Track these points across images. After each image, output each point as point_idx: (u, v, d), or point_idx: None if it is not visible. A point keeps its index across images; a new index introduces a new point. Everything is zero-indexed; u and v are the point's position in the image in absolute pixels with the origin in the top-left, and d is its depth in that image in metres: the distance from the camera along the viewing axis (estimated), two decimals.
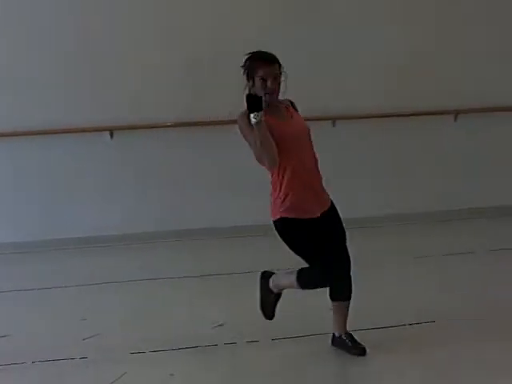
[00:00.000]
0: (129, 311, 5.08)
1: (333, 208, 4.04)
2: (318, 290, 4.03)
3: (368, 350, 4.12)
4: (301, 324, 4.60)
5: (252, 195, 6.97)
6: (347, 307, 4.13)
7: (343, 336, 4.18)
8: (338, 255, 3.96)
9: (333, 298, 4.11)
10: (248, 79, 3.82)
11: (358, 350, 4.12)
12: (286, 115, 3.89)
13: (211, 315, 4.85)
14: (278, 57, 3.81)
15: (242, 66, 3.84)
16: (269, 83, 3.73)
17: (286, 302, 5.00)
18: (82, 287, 5.67)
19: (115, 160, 6.92)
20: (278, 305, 4.42)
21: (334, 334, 4.24)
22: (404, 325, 4.51)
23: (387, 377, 3.88)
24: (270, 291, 4.34)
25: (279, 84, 3.79)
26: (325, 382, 3.83)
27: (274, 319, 4.53)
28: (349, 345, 4.15)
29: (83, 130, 6.73)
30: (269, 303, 4.37)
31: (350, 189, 6.79)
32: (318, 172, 3.96)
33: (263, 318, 4.51)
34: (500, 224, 7.01)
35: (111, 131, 6.80)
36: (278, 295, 4.37)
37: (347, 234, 4.06)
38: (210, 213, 7.05)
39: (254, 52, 3.84)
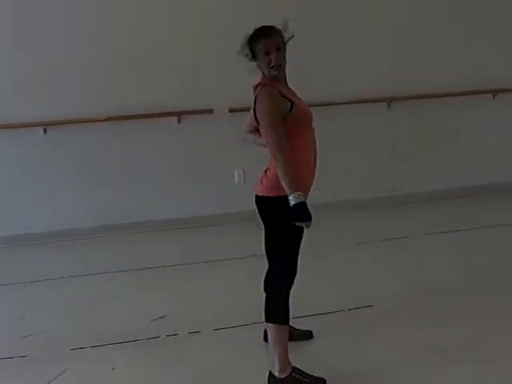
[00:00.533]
0: (68, 307, 5.03)
1: None
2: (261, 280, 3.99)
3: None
4: (242, 313, 4.62)
5: (184, 188, 7.04)
6: None
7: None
8: None
9: None
10: (252, 59, 3.68)
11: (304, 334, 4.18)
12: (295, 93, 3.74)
13: (151, 308, 4.85)
14: None
15: (243, 50, 3.72)
16: (272, 56, 3.58)
17: (227, 292, 5.07)
18: (18, 285, 5.59)
19: (49, 156, 6.82)
20: (219, 295, 4.43)
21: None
22: (343, 310, 4.58)
23: (327, 361, 3.95)
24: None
25: (284, 54, 3.63)
26: (267, 369, 3.85)
27: (216, 310, 4.56)
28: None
29: (18, 126, 6.61)
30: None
31: None
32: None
33: (203, 309, 4.53)
34: (434, 209, 7.19)
35: (45, 127, 6.70)
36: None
37: None
38: (143, 206, 7.02)
39: (252, 32, 3.69)
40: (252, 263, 5.72)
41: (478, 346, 4.02)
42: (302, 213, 3.37)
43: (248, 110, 6.91)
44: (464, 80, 7.36)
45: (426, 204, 7.34)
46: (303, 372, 3.73)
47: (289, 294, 3.71)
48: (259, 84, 3.68)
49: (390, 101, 7.31)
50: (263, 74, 3.67)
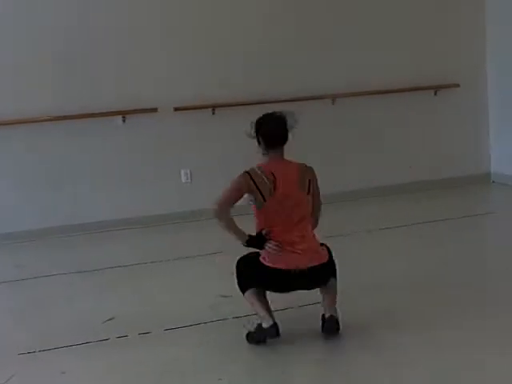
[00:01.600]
0: (13, 311, 4.93)
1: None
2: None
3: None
4: (193, 313, 4.60)
5: (130, 188, 6.97)
6: None
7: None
8: None
9: None
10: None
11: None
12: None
13: (100, 310, 4.77)
14: None
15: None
16: None
17: (178, 292, 5.05)
18: None
19: None
20: (170, 295, 4.42)
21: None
22: (292, 307, 4.58)
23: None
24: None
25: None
26: (221, 369, 3.85)
27: (166, 310, 4.57)
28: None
29: None
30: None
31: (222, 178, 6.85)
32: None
33: (153, 309, 4.51)
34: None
35: None
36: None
37: None
38: (88, 207, 6.92)
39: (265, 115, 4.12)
40: (202, 262, 5.74)
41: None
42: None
43: (192, 108, 7.00)
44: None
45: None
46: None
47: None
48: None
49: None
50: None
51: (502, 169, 7.87)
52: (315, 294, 4.17)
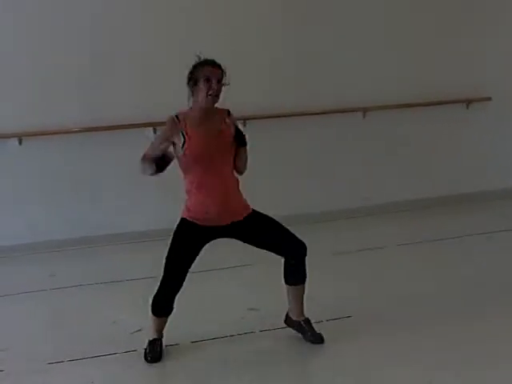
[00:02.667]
0: (41, 321, 4.96)
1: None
2: None
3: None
4: (220, 326, 4.63)
5: (156, 199, 6.96)
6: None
7: (302, 322, 4.35)
8: None
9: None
10: (192, 85, 3.96)
11: (315, 337, 4.30)
12: (213, 127, 3.99)
13: (128, 321, 4.79)
14: None
15: (189, 75, 3.98)
16: (213, 84, 3.87)
17: (207, 304, 5.06)
18: None
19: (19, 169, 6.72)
20: (194, 307, 4.61)
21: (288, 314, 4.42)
22: (321, 321, 4.58)
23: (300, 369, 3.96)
24: None
25: (221, 88, 3.92)
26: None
27: (193, 323, 4.65)
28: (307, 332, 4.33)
29: None
30: None
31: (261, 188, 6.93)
32: (230, 187, 4.13)
33: (182, 321, 4.54)
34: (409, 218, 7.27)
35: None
36: None
37: None
38: (116, 218, 6.91)
39: (200, 59, 3.98)
40: (231, 274, 5.74)
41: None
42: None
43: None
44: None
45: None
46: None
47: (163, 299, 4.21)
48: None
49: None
50: (193, 101, 3.99)
51: None
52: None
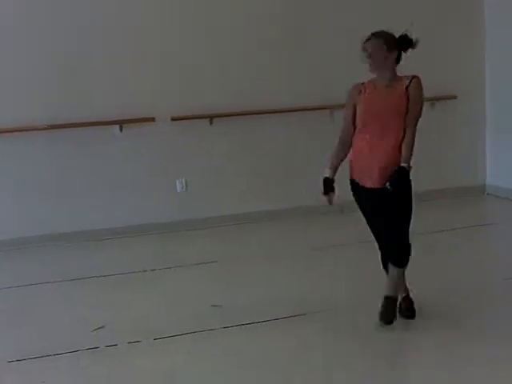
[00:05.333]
0: (3, 319, 4.93)
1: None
2: None
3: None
4: (183, 322, 4.61)
5: (126, 197, 6.97)
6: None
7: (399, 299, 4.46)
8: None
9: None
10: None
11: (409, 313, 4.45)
12: (387, 91, 4.18)
13: (91, 318, 4.76)
14: None
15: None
16: (367, 58, 4.16)
17: (171, 302, 5.05)
18: None
19: None
20: (162, 303, 4.69)
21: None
22: (277, 319, 4.59)
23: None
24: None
25: (378, 58, 4.15)
26: (209, 379, 3.86)
27: (156, 319, 4.65)
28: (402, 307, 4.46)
29: None
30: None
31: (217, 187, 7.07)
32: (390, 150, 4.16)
33: (145, 318, 4.53)
34: None
35: None
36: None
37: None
38: (84, 216, 6.90)
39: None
40: (197, 271, 5.74)
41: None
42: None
43: (190, 118, 7.04)
44: None
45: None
46: None
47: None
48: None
49: None
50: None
51: (497, 181, 7.87)
52: None
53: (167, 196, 7.10)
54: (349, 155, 4.31)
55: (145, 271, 5.79)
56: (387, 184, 4.09)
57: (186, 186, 7.13)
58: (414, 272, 4.49)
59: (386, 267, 4.40)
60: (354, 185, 4.30)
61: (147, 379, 3.93)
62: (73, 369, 4.08)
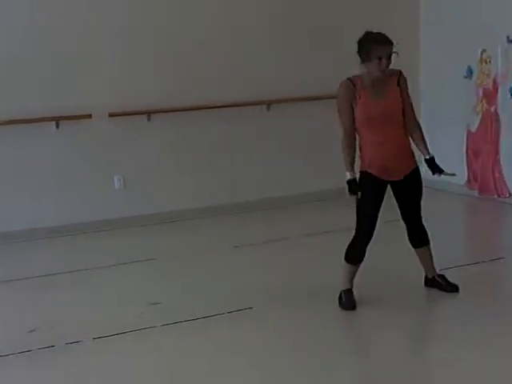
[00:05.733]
0: None
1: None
2: None
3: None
4: (122, 321, 4.58)
5: (63, 195, 6.87)
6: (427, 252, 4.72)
7: (436, 277, 4.76)
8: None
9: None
10: (364, 57, 4.30)
11: (451, 287, 4.73)
12: (382, 91, 4.37)
13: (26, 320, 4.68)
14: None
15: (361, 47, 4.32)
16: (384, 61, 4.25)
17: (108, 300, 5.01)
18: None
19: None
20: (94, 303, 4.61)
21: (426, 275, 4.82)
22: (222, 313, 4.61)
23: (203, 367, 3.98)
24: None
25: (391, 60, 4.29)
26: (151, 378, 3.85)
27: (94, 319, 4.63)
28: (442, 284, 4.74)
29: None
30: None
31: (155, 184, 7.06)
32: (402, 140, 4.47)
33: (83, 317, 4.52)
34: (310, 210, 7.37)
35: None
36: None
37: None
38: (19, 214, 6.74)
39: (370, 33, 4.33)
40: (134, 269, 5.70)
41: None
42: (348, 188, 4.39)
43: (127, 114, 6.98)
44: None
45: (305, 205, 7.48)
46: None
47: (356, 248, 4.52)
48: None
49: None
50: (365, 70, 4.36)
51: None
52: None
53: (105, 193, 7.02)
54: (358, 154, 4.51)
55: (82, 270, 5.71)
56: (436, 173, 4.51)
57: (124, 182, 7.07)
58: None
59: (349, 258, 4.55)
60: (369, 177, 4.44)
61: (86, 379, 3.89)
62: (5, 373, 4.00)
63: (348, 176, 4.39)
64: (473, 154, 7.51)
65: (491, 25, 7.02)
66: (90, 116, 6.85)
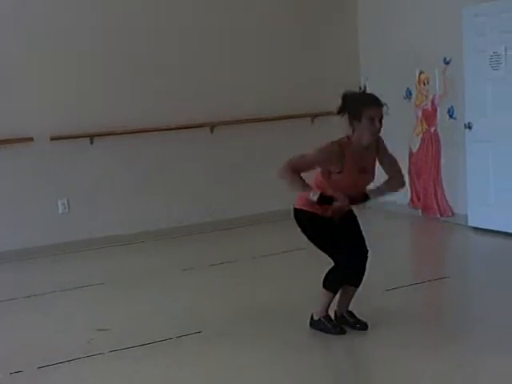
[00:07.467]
0: None
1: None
2: None
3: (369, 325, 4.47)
4: (68, 349, 4.46)
5: (4, 220, 6.73)
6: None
7: (345, 315, 4.52)
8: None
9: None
10: (352, 120, 4.08)
11: (360, 325, 4.48)
12: (366, 164, 4.20)
13: None
14: None
15: (343, 107, 4.12)
16: (377, 124, 4.06)
17: (54, 327, 4.90)
18: None
19: None
20: (39, 331, 4.46)
21: (335, 312, 4.55)
22: (171, 338, 4.55)
23: None
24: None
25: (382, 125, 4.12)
26: None
27: (39, 346, 4.51)
28: (351, 321, 4.50)
29: None
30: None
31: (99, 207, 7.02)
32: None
33: (26, 347, 4.37)
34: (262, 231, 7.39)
35: None
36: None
37: None
38: None
39: (359, 94, 4.33)
40: (81, 295, 5.59)
41: None
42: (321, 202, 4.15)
43: (69, 137, 6.88)
44: None
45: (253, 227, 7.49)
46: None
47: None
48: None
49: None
50: (352, 132, 4.12)
51: None
52: None
53: (50, 217, 6.90)
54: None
55: (27, 297, 5.58)
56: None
57: (69, 206, 6.96)
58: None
59: (337, 288, 4.43)
60: (316, 218, 4.25)
61: None
62: None
63: (314, 194, 4.12)
64: (415, 174, 7.65)
65: (428, 46, 7.21)
66: (31, 139, 6.74)
